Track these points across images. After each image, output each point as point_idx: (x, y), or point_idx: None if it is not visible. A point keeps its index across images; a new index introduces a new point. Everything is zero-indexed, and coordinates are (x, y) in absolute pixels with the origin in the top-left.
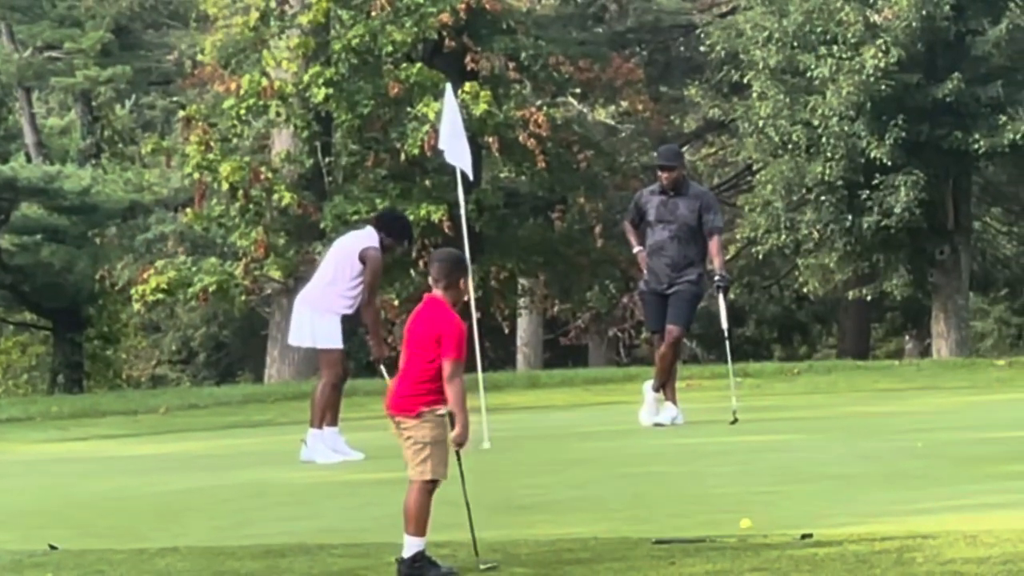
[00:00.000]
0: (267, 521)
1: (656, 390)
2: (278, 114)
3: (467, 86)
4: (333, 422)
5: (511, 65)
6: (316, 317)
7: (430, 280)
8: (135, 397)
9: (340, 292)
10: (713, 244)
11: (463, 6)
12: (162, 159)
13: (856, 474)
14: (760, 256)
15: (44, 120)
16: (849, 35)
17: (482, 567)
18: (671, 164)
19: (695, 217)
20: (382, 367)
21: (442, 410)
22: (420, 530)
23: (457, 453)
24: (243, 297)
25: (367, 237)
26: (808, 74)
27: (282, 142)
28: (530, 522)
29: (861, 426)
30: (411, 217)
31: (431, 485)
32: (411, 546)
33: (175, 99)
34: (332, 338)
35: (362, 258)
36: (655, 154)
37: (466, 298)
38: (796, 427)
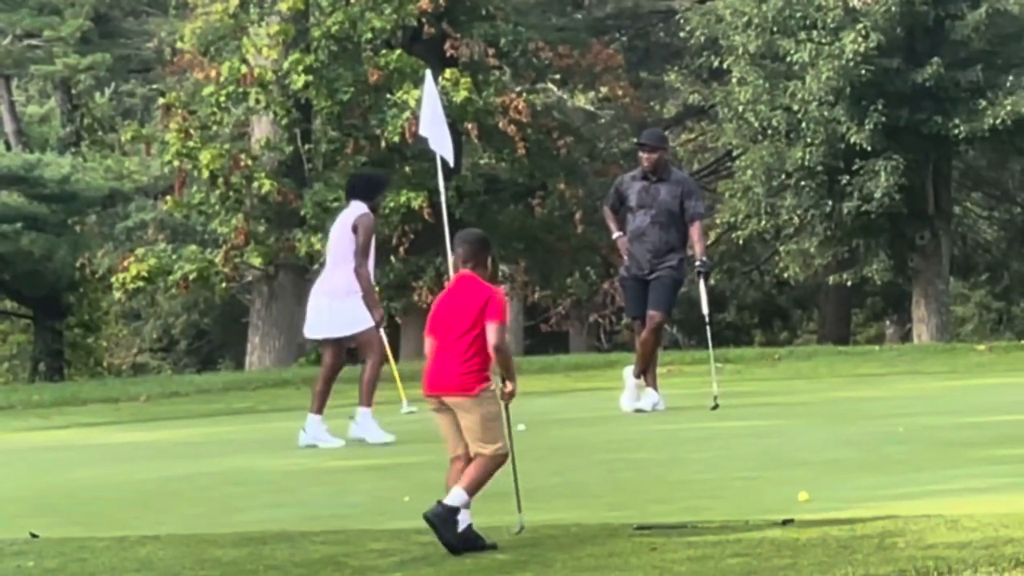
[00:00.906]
0: (248, 509)
1: (637, 376)
2: (258, 101)
3: (447, 73)
4: (319, 410)
5: (491, 51)
6: (336, 304)
7: (457, 261)
8: (116, 385)
9: (351, 271)
10: (694, 230)
11: None
12: (142, 147)
13: (837, 459)
14: (740, 242)
15: (24, 108)
16: (828, 20)
17: (515, 531)
18: (654, 144)
19: (676, 203)
20: (381, 331)
21: (492, 386)
22: (473, 492)
23: (506, 407)
24: (224, 284)
25: (355, 209)
26: (788, 59)
27: (262, 129)
28: (511, 509)
29: (842, 411)
30: (392, 204)
31: (503, 460)
32: (458, 498)
33: (155, 87)
34: (362, 319)
35: (354, 227)
36: (636, 139)
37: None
38: (777, 412)
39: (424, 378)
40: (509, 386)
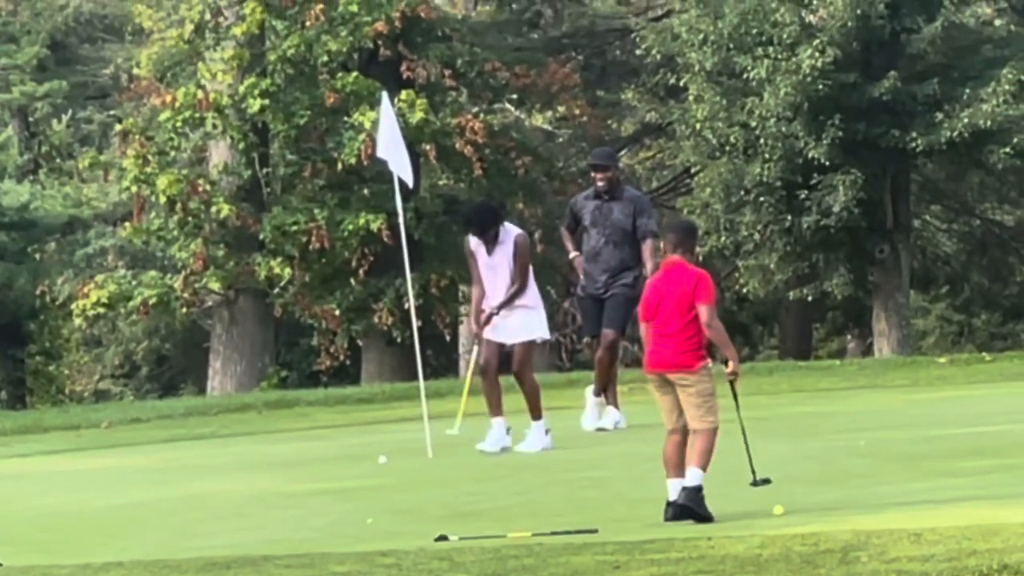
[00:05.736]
0: (211, 534)
1: (597, 395)
2: (215, 126)
3: (403, 94)
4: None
5: (447, 72)
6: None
7: (667, 248)
8: (78, 412)
9: None
10: (646, 248)
11: (398, 15)
12: (100, 174)
13: (799, 474)
14: (700, 258)
15: None
16: (785, 36)
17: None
18: (605, 164)
19: (629, 222)
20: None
21: (710, 363)
22: (706, 466)
23: (732, 385)
24: (184, 310)
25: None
26: (744, 76)
27: (219, 154)
28: (474, 529)
29: (804, 426)
30: (351, 227)
31: (717, 431)
32: (697, 477)
33: (112, 113)
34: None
35: None
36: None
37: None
38: (739, 428)
39: (646, 358)
40: (731, 365)
